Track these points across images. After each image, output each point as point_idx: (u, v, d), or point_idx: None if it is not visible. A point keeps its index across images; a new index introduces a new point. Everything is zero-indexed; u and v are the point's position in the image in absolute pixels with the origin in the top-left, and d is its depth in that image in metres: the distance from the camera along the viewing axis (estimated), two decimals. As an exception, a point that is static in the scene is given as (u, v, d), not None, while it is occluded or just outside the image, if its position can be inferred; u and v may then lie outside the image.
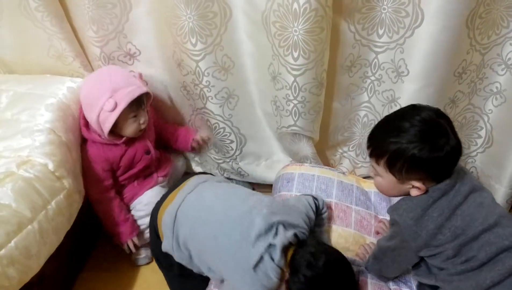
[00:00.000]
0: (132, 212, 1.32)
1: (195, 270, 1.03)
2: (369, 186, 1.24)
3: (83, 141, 1.24)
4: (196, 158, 1.56)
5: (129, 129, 1.22)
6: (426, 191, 0.87)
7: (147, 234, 1.30)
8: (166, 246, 1.03)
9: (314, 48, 1.08)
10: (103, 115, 1.14)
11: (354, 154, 1.43)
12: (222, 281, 0.99)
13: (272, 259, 0.88)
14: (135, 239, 1.28)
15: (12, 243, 0.89)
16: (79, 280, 1.32)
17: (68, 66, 1.28)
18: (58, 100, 1.16)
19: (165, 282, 1.18)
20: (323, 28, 1.05)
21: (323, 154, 1.44)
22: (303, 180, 1.20)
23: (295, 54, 1.10)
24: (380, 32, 1.16)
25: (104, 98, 1.13)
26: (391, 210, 0.92)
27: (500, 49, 1.17)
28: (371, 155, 0.92)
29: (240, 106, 1.33)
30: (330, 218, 1.11)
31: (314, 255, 0.88)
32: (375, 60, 1.21)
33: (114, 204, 1.26)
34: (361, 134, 1.38)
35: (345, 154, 1.45)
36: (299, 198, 1.07)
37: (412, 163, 0.84)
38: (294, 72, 1.13)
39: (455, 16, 1.04)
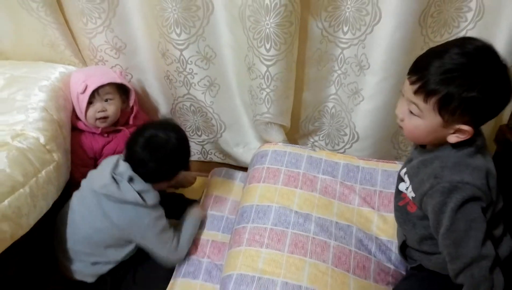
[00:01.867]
0: None
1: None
2: (339, 158, 1.34)
3: (75, 130, 1.36)
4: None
5: (88, 114, 1.32)
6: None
7: None
8: None
9: (284, 40, 1.21)
10: (79, 98, 1.29)
11: (324, 143, 1.56)
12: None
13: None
14: None
15: (6, 202, 0.99)
16: None
17: (60, 54, 1.40)
18: (51, 83, 1.27)
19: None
20: (292, 22, 1.18)
21: (295, 143, 1.55)
22: (275, 156, 1.32)
23: (267, 46, 1.22)
24: (345, 29, 1.28)
25: (79, 82, 1.28)
26: (449, 173, 0.81)
27: (452, 46, 1.31)
28: (417, 91, 0.79)
29: (221, 95, 1.45)
30: (296, 185, 1.23)
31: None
32: (341, 55, 1.34)
33: None
34: (330, 124, 1.50)
35: (316, 143, 1.57)
36: None
37: (474, 102, 0.76)
38: (267, 62, 1.26)
39: (408, 15, 1.17)
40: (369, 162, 1.35)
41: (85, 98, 1.28)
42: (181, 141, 1.16)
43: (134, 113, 1.42)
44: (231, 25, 1.29)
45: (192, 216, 1.26)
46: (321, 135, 1.55)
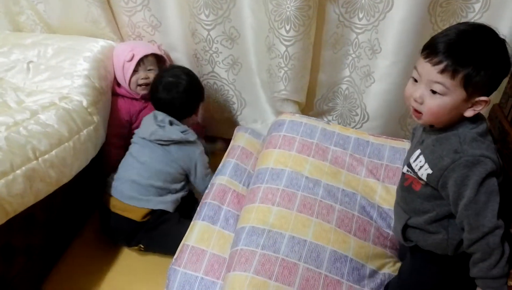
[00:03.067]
0: None
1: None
2: (351, 133, 1.45)
3: (115, 95, 1.53)
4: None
5: (131, 81, 1.50)
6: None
7: None
8: None
9: (303, 22, 1.33)
10: (126, 66, 1.46)
11: (336, 122, 1.67)
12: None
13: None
14: None
15: (54, 152, 1.15)
16: (66, 255, 1.44)
17: (101, 31, 1.56)
18: (94, 54, 1.43)
19: (150, 259, 1.42)
20: (310, 6, 1.30)
21: (310, 121, 1.67)
22: (292, 125, 1.43)
23: (287, 27, 1.35)
24: (360, 15, 1.39)
25: (126, 52, 1.45)
26: (470, 148, 0.88)
27: (460, 35, 1.40)
28: (444, 70, 0.86)
29: (243, 73, 1.59)
30: (309, 154, 1.35)
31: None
32: (356, 40, 1.45)
33: (119, 153, 1.50)
34: (343, 104, 1.62)
35: (329, 123, 1.68)
36: None
37: (493, 74, 0.86)
38: (286, 43, 1.38)
39: (419, 3, 1.27)
40: (378, 138, 1.46)
41: (131, 65, 1.46)
42: (190, 79, 1.46)
43: None
44: (255, 8, 1.41)
45: None
46: (335, 115, 1.67)
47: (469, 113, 0.89)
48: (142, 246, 1.41)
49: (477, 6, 1.31)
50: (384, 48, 1.40)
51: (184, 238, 1.24)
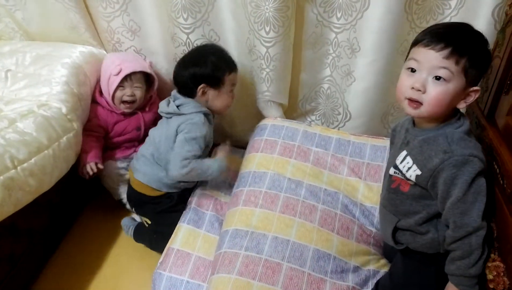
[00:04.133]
0: None
1: None
2: (332, 133, 1.47)
3: (95, 102, 1.51)
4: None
5: (116, 96, 1.47)
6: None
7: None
8: None
9: (282, 23, 1.33)
10: (111, 79, 1.43)
11: (320, 122, 1.68)
12: None
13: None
14: (93, 165, 1.42)
15: (33, 160, 1.14)
16: (52, 261, 1.45)
17: (80, 37, 1.54)
18: (72, 60, 1.42)
19: (139, 263, 1.43)
20: (288, 6, 1.31)
21: (294, 121, 1.68)
22: (273, 129, 1.44)
23: (267, 29, 1.35)
24: (338, 15, 1.40)
25: (114, 65, 1.42)
26: (458, 148, 0.88)
27: (437, 32, 1.41)
28: (450, 55, 0.86)
29: (225, 77, 1.58)
30: (291, 156, 1.35)
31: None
32: (335, 39, 1.46)
33: (91, 139, 1.47)
34: (325, 104, 1.62)
35: (312, 123, 1.69)
36: None
37: (487, 62, 0.91)
38: (266, 44, 1.38)
39: (395, 1, 1.28)
40: (359, 137, 1.47)
41: (117, 80, 1.43)
42: (199, 59, 1.36)
43: (152, 100, 1.58)
44: (234, 10, 1.41)
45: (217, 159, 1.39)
46: (318, 115, 1.67)
47: (461, 105, 0.91)
48: (148, 222, 1.42)
49: (452, 3, 1.32)
50: (363, 47, 1.40)
51: (169, 241, 1.24)
